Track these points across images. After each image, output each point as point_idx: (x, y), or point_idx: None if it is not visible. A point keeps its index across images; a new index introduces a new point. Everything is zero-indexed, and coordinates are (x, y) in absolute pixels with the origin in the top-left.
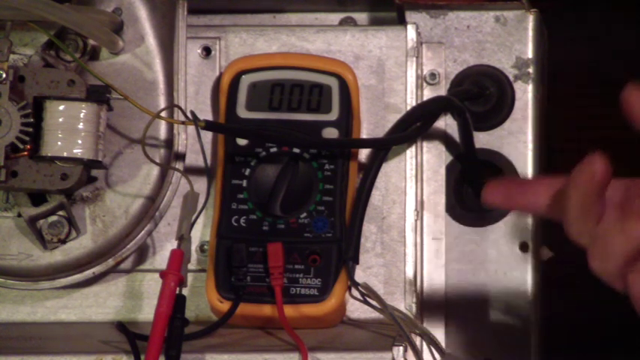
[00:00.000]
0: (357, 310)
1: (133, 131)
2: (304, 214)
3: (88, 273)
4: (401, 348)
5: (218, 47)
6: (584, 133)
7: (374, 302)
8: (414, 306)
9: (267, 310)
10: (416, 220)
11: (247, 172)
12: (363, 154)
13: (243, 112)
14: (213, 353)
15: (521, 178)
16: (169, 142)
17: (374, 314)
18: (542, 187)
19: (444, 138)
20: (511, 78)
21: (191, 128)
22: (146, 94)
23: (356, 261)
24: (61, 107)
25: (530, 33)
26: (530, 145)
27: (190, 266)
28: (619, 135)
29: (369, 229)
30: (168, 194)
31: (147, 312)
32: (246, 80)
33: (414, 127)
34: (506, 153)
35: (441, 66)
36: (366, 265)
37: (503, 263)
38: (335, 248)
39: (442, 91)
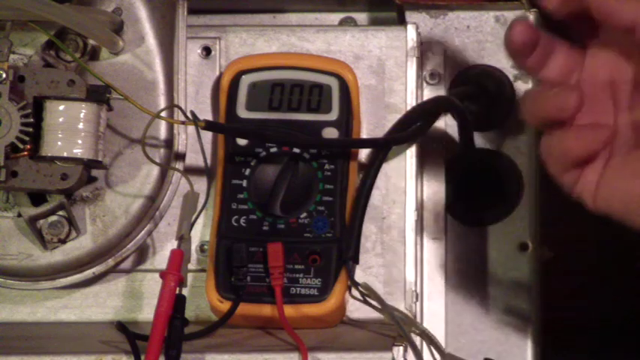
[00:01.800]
0: (357, 310)
1: (133, 131)
2: (304, 214)
3: (88, 273)
4: (401, 348)
5: (218, 47)
6: None
7: (374, 302)
8: (414, 306)
9: (267, 310)
10: (416, 220)
11: (247, 172)
12: (363, 154)
13: (243, 112)
14: (213, 353)
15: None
16: (169, 142)
17: (374, 314)
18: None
19: (444, 138)
20: (511, 78)
21: (191, 128)
22: (146, 94)
23: (356, 261)
24: (61, 107)
25: None
26: (530, 146)
27: (190, 266)
28: None
29: (369, 229)
30: (168, 194)
31: (147, 312)
32: (246, 80)
33: (414, 127)
34: (506, 153)
35: (441, 66)
36: (366, 265)
37: (503, 263)
38: (335, 248)
39: (442, 91)
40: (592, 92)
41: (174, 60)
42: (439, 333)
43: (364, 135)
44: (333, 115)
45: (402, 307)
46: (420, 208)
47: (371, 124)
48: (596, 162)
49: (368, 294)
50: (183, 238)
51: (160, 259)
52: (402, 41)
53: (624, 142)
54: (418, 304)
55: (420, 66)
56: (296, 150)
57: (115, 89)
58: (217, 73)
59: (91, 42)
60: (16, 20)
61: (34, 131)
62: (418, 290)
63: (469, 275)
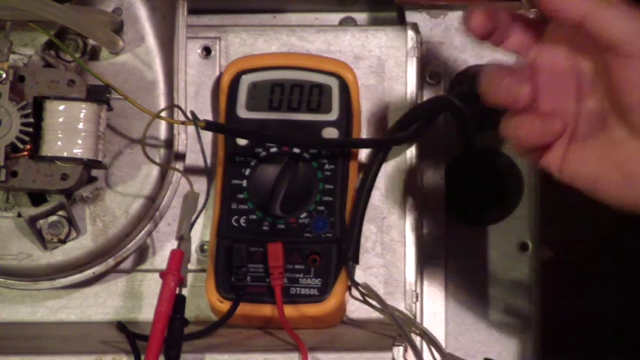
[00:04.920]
0: (357, 310)
1: (133, 131)
2: (304, 214)
3: (88, 273)
4: (401, 348)
5: (218, 47)
6: None
7: (374, 302)
8: (414, 306)
9: (267, 310)
10: (416, 220)
11: (247, 172)
12: (363, 154)
13: (243, 112)
14: (213, 353)
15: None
16: (169, 142)
17: (374, 314)
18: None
19: (444, 138)
20: None
21: (191, 128)
22: (146, 94)
23: (356, 261)
24: (61, 107)
25: None
26: None
27: (190, 266)
28: None
29: (369, 229)
30: (168, 194)
31: (147, 312)
32: (246, 80)
33: (414, 127)
34: (506, 153)
35: (441, 66)
36: (366, 265)
37: (503, 263)
38: (335, 248)
39: (442, 91)
40: (553, 78)
41: (174, 60)
42: (439, 333)
43: (364, 135)
44: (333, 115)
45: (402, 307)
46: (420, 208)
47: (371, 124)
48: (559, 141)
49: (368, 294)
50: (183, 238)
51: (160, 259)
52: (402, 41)
53: (585, 127)
54: (418, 304)
55: (420, 66)
56: (296, 150)
57: (115, 89)
58: (217, 73)
59: (91, 42)
60: (16, 20)
61: (34, 131)
62: (418, 290)
63: (469, 275)
